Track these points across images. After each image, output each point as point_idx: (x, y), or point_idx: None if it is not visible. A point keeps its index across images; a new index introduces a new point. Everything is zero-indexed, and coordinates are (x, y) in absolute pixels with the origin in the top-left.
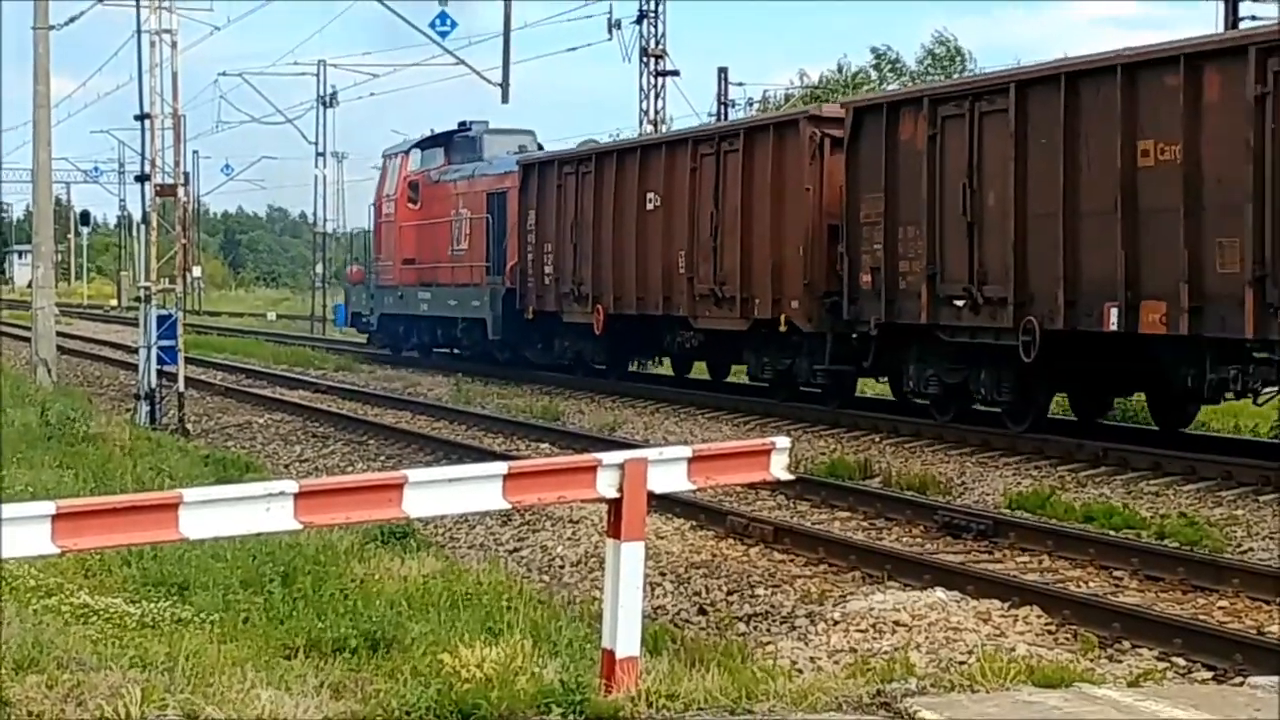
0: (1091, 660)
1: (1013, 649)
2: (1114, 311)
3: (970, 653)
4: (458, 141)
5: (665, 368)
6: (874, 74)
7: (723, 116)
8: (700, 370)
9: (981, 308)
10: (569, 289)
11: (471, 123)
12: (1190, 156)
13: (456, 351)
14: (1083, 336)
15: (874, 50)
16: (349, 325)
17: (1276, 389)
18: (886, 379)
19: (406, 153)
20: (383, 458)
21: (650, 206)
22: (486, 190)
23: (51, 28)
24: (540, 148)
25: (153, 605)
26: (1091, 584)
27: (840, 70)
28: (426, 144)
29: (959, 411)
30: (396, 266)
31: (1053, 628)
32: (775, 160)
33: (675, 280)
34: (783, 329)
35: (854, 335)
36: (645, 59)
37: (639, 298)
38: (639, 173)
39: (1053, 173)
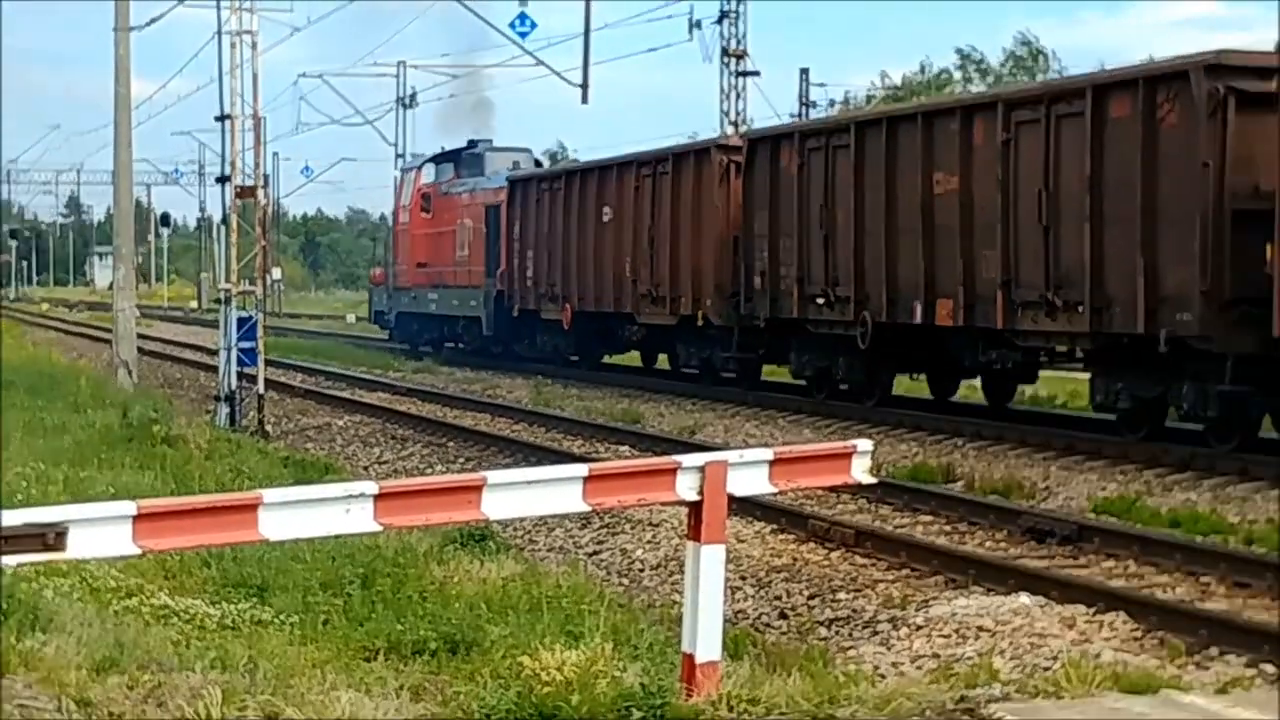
0: (1178, 667)
1: (1098, 655)
2: (918, 307)
3: (1055, 659)
4: (465, 158)
5: (628, 360)
6: (958, 74)
7: (804, 117)
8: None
9: (834, 305)
10: (545, 290)
11: (478, 141)
12: (965, 186)
13: (461, 345)
14: (901, 328)
15: (959, 51)
16: (373, 323)
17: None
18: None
19: (420, 167)
20: (462, 460)
21: (605, 219)
22: (484, 203)
23: (132, 29)
24: (538, 164)
25: (232, 606)
26: (1178, 590)
27: (923, 71)
28: (439, 159)
29: (831, 391)
30: (410, 270)
31: (1139, 634)
32: (694, 182)
33: (623, 282)
34: (700, 323)
35: (762, 328)
36: (726, 59)
37: (596, 297)
38: (597, 190)
39: (879, 197)
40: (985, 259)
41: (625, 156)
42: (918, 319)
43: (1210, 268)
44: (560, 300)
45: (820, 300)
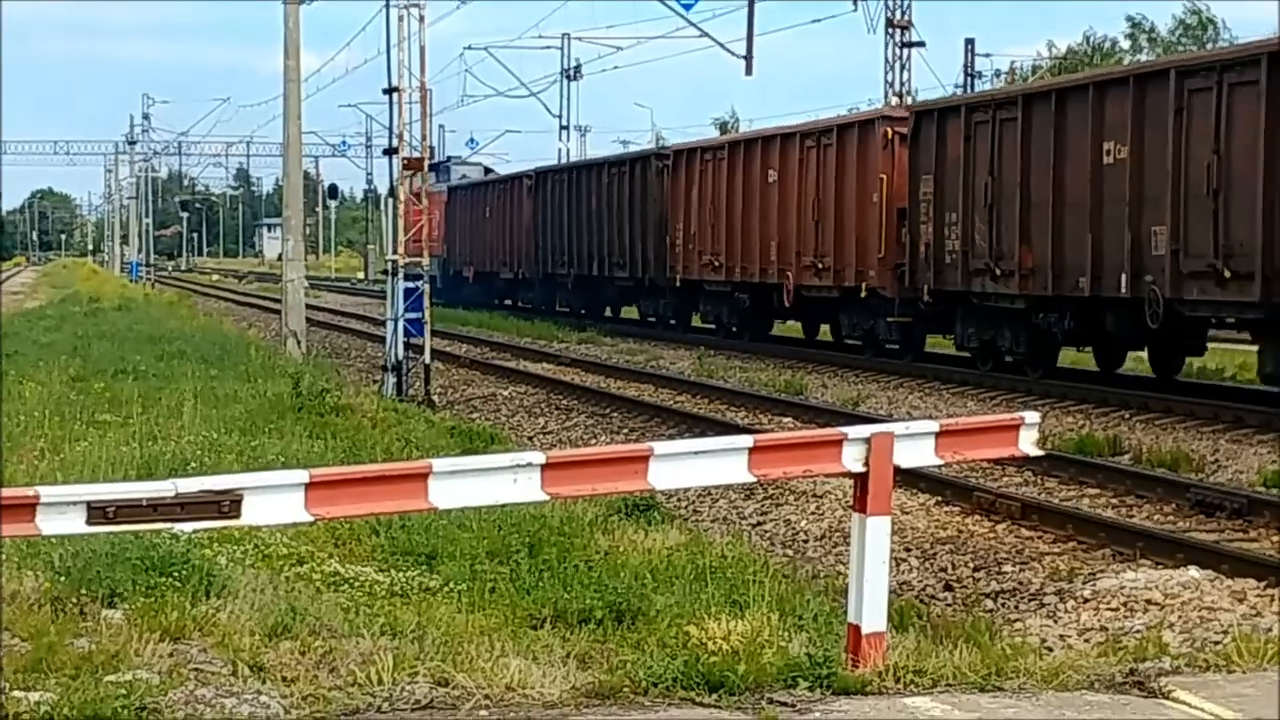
0: None
1: (1269, 629)
2: (594, 264)
3: (1225, 632)
4: (441, 167)
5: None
6: (1126, 43)
7: (969, 89)
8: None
9: (575, 263)
10: (464, 258)
11: (451, 157)
12: (616, 205)
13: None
14: (589, 277)
15: (1129, 18)
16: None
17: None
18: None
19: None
20: (625, 430)
21: (487, 216)
22: (443, 200)
23: (301, 2)
24: (488, 171)
25: (401, 574)
26: None
27: (1087, 41)
28: (429, 168)
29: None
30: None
31: None
32: (510, 198)
33: (494, 253)
34: (518, 278)
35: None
36: (890, 30)
37: (484, 261)
38: (485, 198)
39: (583, 212)
40: (614, 241)
41: (502, 176)
42: (595, 271)
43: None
44: (470, 264)
45: (563, 260)
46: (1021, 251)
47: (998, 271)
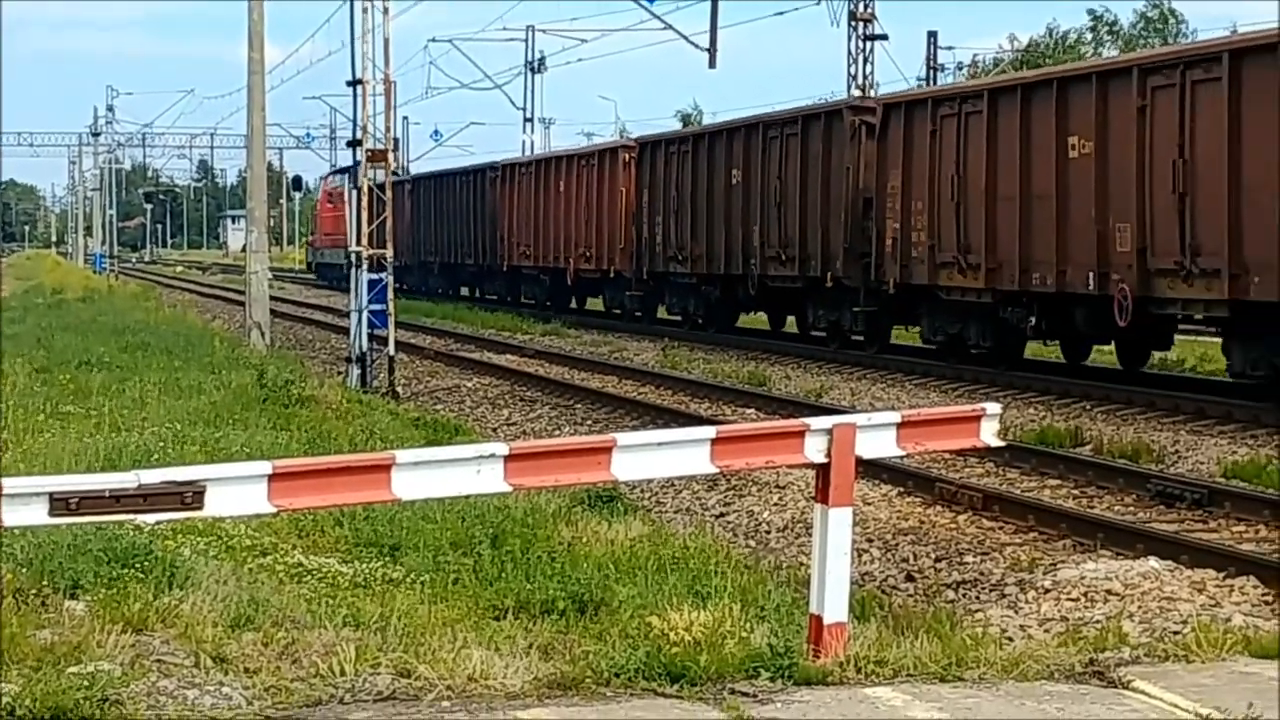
0: None
1: (1228, 619)
2: (452, 253)
3: (1185, 623)
4: (352, 171)
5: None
6: (1089, 36)
7: (931, 82)
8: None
9: (439, 252)
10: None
11: (357, 163)
12: (465, 207)
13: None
14: (449, 264)
15: (1090, 12)
16: (308, 270)
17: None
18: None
19: (330, 176)
20: (590, 422)
21: (405, 213)
22: (349, 200)
23: None
24: (396, 174)
25: (364, 565)
26: None
27: (1049, 34)
28: (340, 171)
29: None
30: (322, 237)
31: (1270, 598)
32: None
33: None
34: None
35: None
36: (854, 23)
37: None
38: (424, 194)
39: (444, 212)
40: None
41: (393, 181)
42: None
43: None
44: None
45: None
46: (692, 244)
47: (681, 257)
